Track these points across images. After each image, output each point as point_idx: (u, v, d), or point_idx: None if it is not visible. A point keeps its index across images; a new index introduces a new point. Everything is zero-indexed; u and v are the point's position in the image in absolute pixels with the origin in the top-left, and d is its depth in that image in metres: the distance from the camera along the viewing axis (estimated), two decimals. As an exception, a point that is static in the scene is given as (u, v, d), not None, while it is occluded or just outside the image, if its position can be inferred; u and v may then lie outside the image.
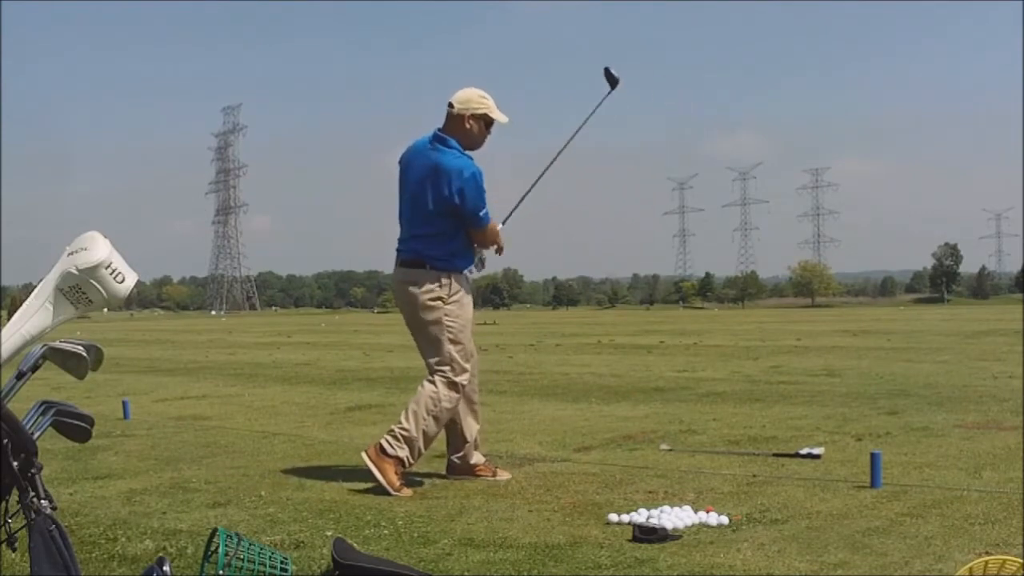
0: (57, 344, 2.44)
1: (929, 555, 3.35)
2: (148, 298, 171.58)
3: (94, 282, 2.26)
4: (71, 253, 2.27)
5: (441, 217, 4.80)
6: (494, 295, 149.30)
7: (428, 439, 4.82)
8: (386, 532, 3.85)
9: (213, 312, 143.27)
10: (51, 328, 2.29)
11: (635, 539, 3.62)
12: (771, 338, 21.60)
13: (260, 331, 36.76)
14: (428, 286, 4.82)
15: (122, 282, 2.29)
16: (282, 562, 3.07)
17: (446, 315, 4.83)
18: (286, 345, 23.04)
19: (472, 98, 4.79)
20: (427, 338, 4.87)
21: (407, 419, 4.76)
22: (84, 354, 2.43)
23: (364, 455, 4.72)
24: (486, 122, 4.84)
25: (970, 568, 2.50)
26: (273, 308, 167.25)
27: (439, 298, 4.83)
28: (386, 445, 4.70)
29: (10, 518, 2.19)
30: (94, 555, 3.60)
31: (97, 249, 2.27)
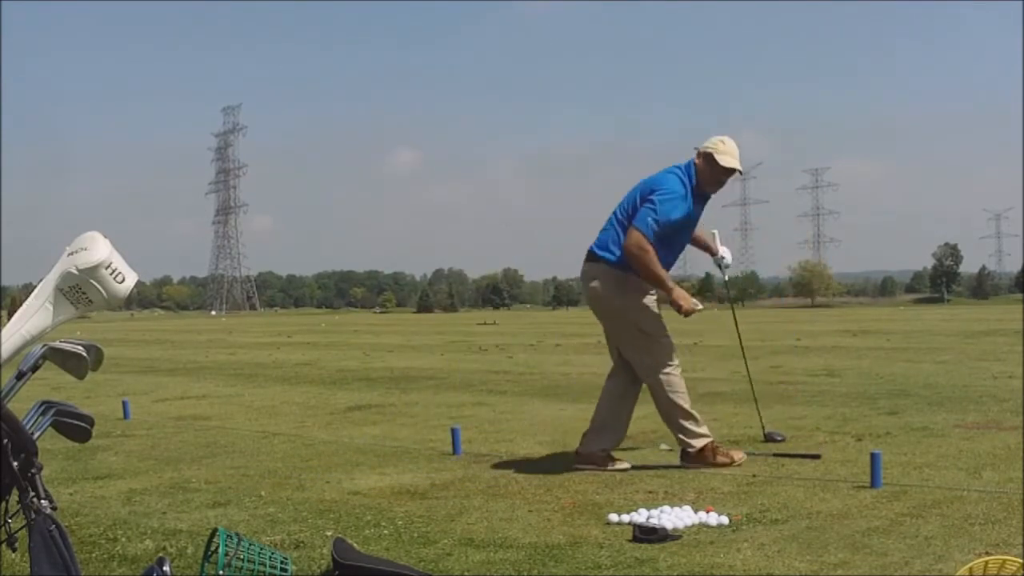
0: (57, 344, 2.43)
1: (929, 555, 3.35)
2: (148, 298, 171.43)
3: (94, 282, 2.26)
4: (71, 253, 2.27)
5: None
6: (494, 295, 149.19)
7: (678, 406, 5.25)
8: (386, 532, 3.85)
9: (213, 312, 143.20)
10: (51, 328, 2.29)
11: (635, 539, 3.63)
12: (771, 338, 21.59)
13: (260, 331, 36.75)
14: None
15: (122, 282, 2.29)
16: (282, 562, 3.07)
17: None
18: (286, 345, 23.04)
19: (711, 140, 5.18)
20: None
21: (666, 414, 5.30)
22: (84, 354, 2.42)
23: (698, 465, 5.10)
24: (709, 162, 5.10)
25: (970, 568, 2.50)
26: (274, 308, 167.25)
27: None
28: (688, 447, 5.19)
29: (10, 518, 2.19)
30: (94, 555, 3.61)
31: (97, 249, 2.26)
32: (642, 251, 4.91)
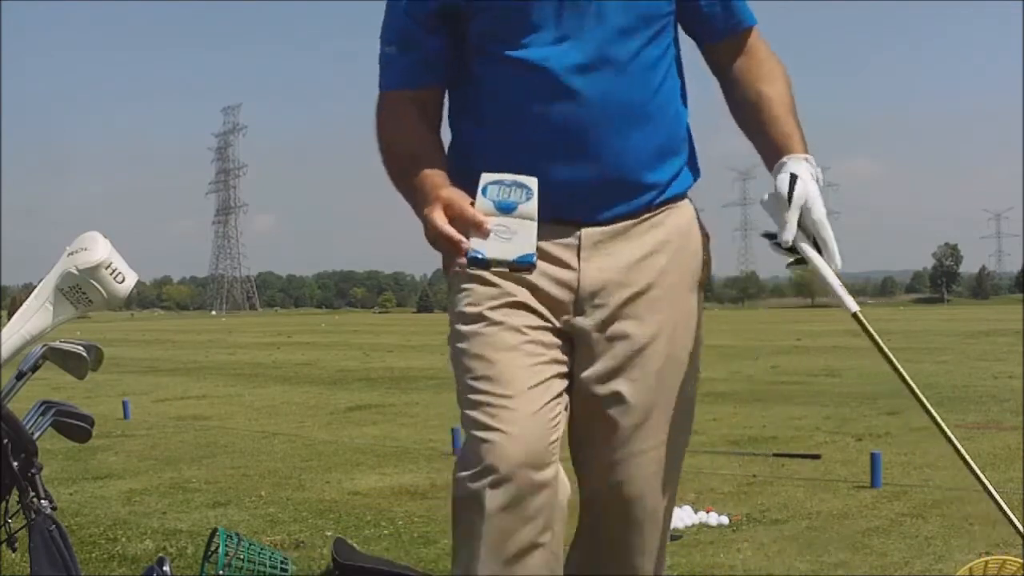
0: (57, 344, 2.43)
1: (929, 555, 3.35)
2: (148, 298, 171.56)
3: (94, 282, 2.26)
4: (71, 253, 2.27)
5: None
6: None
7: None
8: (386, 532, 3.85)
9: (213, 312, 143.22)
10: (51, 328, 2.28)
11: (635, 539, 3.62)
12: (771, 338, 21.59)
13: (260, 331, 36.74)
14: None
15: (122, 282, 2.29)
16: (282, 562, 3.07)
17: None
18: (286, 345, 23.04)
19: None
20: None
21: None
22: (84, 354, 2.42)
23: None
24: None
25: (970, 568, 2.50)
26: (274, 308, 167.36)
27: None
28: None
29: (10, 518, 2.19)
30: (94, 555, 3.60)
31: (97, 249, 2.26)
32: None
